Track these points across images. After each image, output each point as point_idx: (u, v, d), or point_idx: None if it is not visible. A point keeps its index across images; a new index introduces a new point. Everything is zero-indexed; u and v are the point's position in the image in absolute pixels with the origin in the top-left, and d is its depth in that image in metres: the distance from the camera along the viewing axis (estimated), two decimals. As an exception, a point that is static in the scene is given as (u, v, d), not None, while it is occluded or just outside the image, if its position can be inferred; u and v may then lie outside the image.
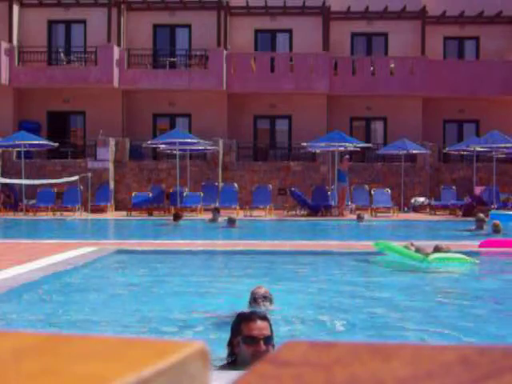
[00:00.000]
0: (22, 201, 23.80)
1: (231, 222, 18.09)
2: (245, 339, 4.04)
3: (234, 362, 4.15)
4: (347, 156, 24.48)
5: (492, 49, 29.82)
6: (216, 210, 20.11)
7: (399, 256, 10.66)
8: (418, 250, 10.49)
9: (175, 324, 6.40)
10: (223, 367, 4.19)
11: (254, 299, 6.48)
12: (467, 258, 10.26)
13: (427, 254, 10.15)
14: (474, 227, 16.66)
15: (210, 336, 5.74)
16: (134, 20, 29.33)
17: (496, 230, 15.18)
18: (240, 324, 4.11)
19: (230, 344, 4.19)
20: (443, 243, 10.66)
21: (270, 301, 6.57)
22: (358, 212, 21.29)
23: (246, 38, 29.54)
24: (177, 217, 19.04)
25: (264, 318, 4.18)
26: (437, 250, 10.24)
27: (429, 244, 11.10)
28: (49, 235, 15.70)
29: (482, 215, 16.92)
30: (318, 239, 14.72)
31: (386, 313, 7.01)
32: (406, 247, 10.75)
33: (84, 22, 29.31)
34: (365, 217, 20.38)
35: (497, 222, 15.53)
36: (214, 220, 19.68)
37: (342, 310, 7.10)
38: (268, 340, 4.04)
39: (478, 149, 24.64)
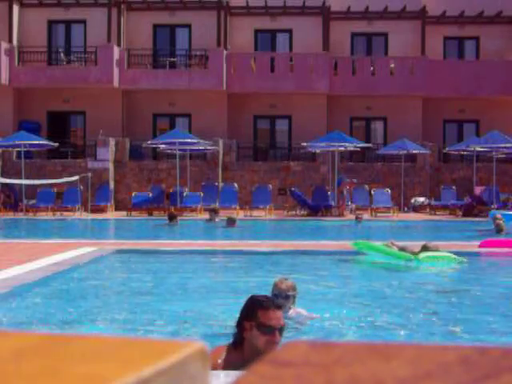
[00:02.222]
0: (22, 201, 23.80)
1: (231, 221, 18.08)
2: (261, 327, 4.02)
3: (240, 344, 4.11)
4: (354, 180, 24.50)
5: (492, 49, 29.82)
6: (213, 211, 20.10)
7: (383, 255, 10.69)
8: (403, 249, 10.55)
9: (175, 324, 6.40)
10: (229, 348, 4.16)
11: (275, 296, 6.02)
12: (456, 256, 10.36)
13: (417, 253, 10.22)
14: (492, 228, 16.48)
15: (211, 336, 5.74)
16: (134, 20, 29.33)
17: (498, 229, 15.20)
18: (257, 310, 4.07)
19: (240, 326, 4.14)
20: (431, 242, 10.72)
21: (294, 298, 6.11)
22: (357, 212, 21.25)
23: (246, 38, 29.55)
24: (172, 217, 19.02)
25: (280, 307, 4.27)
26: (425, 249, 10.31)
27: (410, 244, 11.18)
28: (49, 235, 15.70)
29: (498, 216, 16.80)
30: (317, 239, 14.72)
31: (386, 310, 7.02)
32: (386, 246, 10.80)
33: (84, 22, 29.31)
34: (363, 217, 20.31)
35: (500, 221, 15.56)
36: (210, 220, 19.69)
37: (342, 309, 7.11)
38: (282, 330, 4.07)
39: (478, 149, 24.65)
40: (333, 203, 23.45)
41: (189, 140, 24.30)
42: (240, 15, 29.50)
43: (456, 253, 10.85)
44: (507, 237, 14.21)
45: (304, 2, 28.75)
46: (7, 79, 27.77)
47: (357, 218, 19.83)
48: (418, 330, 6.28)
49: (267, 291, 6.65)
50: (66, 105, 28.85)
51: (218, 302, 7.37)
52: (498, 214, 17.09)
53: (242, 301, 6.83)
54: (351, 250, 11.42)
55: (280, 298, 5.93)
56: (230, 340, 4.28)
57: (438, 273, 10.11)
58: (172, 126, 28.57)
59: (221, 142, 26.52)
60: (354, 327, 6.32)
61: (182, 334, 6.01)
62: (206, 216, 20.79)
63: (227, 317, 6.48)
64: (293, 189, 24.07)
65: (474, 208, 22.98)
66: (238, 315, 4.25)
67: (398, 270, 10.15)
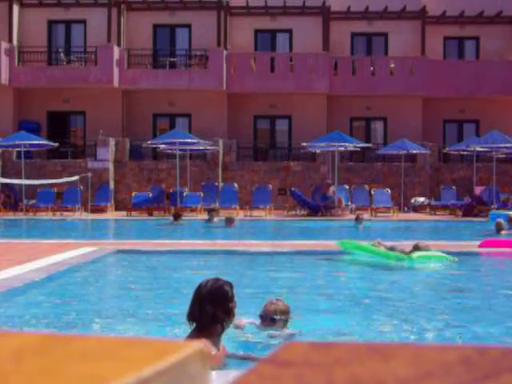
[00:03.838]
0: (22, 201, 23.79)
1: (229, 221, 18.10)
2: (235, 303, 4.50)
3: (214, 326, 4.34)
4: (329, 181, 24.10)
5: (492, 49, 29.82)
6: (212, 211, 20.12)
7: (372, 255, 10.75)
8: (391, 249, 10.63)
9: (175, 324, 6.39)
10: (206, 335, 4.24)
11: (261, 316, 5.55)
12: (447, 255, 10.48)
13: (408, 253, 10.31)
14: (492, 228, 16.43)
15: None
16: (134, 20, 29.33)
17: (499, 228, 15.19)
18: (233, 291, 4.46)
19: (227, 310, 4.38)
20: (422, 242, 10.82)
21: (284, 323, 5.49)
22: (357, 213, 21.00)
23: (245, 38, 29.54)
24: (177, 216, 19.09)
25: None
26: (416, 248, 10.41)
27: (398, 243, 11.26)
28: (49, 235, 15.70)
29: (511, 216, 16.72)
30: (317, 239, 14.71)
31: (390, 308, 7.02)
32: (373, 246, 10.90)
33: (84, 22, 29.31)
34: (364, 218, 19.88)
35: (500, 220, 15.56)
36: (209, 220, 19.71)
37: (344, 310, 7.10)
38: None
39: (478, 149, 24.64)
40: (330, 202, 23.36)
41: (189, 140, 24.30)
42: (240, 15, 29.49)
43: (456, 253, 10.88)
44: (507, 237, 14.22)
45: (304, 2, 28.75)
46: (7, 79, 27.77)
47: (357, 218, 19.44)
48: (418, 330, 6.28)
49: (265, 290, 6.64)
50: (66, 105, 28.84)
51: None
52: (511, 213, 17.05)
53: (242, 300, 6.82)
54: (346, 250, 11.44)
55: (265, 320, 5.49)
56: (194, 328, 4.41)
57: (438, 272, 10.11)
58: (172, 126, 28.57)
59: (221, 142, 26.52)
60: (354, 328, 6.32)
61: (181, 335, 6.00)
62: (206, 216, 20.79)
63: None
64: (293, 189, 24.06)
65: (474, 208, 22.98)
66: (209, 304, 4.37)
67: (394, 270, 10.15)
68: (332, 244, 12.10)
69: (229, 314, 4.38)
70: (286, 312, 5.49)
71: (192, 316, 4.38)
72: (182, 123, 28.75)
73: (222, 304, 4.35)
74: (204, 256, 11.59)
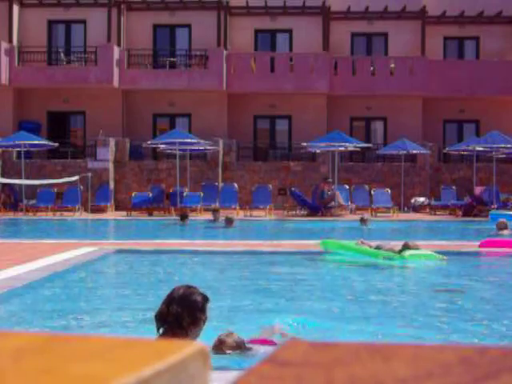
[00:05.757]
0: (22, 201, 23.80)
1: (229, 221, 18.12)
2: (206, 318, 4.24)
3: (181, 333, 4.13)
4: (330, 180, 23.83)
5: (492, 49, 29.81)
6: (216, 211, 20.16)
7: (359, 255, 10.80)
8: (378, 248, 10.73)
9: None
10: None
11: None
12: (436, 254, 10.59)
13: (398, 252, 10.41)
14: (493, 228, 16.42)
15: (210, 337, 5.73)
16: (134, 20, 29.32)
17: (502, 227, 15.18)
18: (207, 304, 4.19)
19: (197, 320, 4.13)
20: (412, 241, 10.92)
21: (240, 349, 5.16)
22: (360, 215, 19.71)
23: (245, 38, 29.54)
24: (184, 217, 19.10)
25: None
26: (406, 247, 10.49)
27: (384, 242, 11.33)
28: (49, 235, 15.70)
29: None
30: (318, 239, 14.70)
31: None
32: (357, 245, 11.01)
33: (84, 22, 29.31)
34: (368, 219, 18.77)
35: (503, 219, 15.57)
36: (214, 220, 19.73)
37: (345, 311, 7.10)
38: None
39: (478, 149, 24.65)
40: (333, 203, 23.30)
41: (189, 140, 24.30)
42: (240, 15, 29.49)
43: (456, 253, 10.92)
44: (508, 237, 14.21)
45: (304, 2, 28.74)
46: (7, 79, 27.76)
47: (362, 220, 18.30)
48: (420, 330, 6.29)
49: (261, 289, 6.63)
50: (66, 105, 28.84)
51: (216, 303, 7.36)
52: None
53: (241, 300, 6.83)
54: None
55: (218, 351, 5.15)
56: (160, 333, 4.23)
57: (437, 273, 10.12)
58: (172, 126, 28.56)
59: (221, 142, 26.52)
60: (355, 327, 6.32)
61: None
62: (206, 216, 20.81)
63: (219, 313, 6.47)
64: (293, 189, 24.05)
65: (474, 208, 22.99)
66: (176, 304, 4.15)
67: (390, 270, 10.16)
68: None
69: (195, 323, 4.10)
70: (239, 346, 5.16)
71: (159, 315, 4.19)
72: (182, 123, 28.74)
73: (189, 309, 4.10)
74: (204, 256, 11.60)
